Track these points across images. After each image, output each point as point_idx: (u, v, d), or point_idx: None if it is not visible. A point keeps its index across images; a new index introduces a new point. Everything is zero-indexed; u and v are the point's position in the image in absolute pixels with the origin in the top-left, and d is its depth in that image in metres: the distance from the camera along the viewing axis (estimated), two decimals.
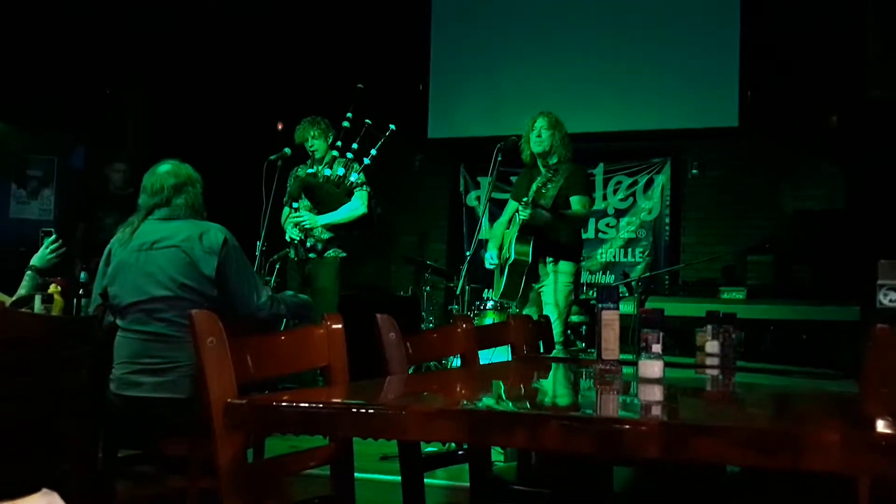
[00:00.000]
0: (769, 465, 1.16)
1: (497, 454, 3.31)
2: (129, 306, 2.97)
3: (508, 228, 4.90)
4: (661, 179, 8.22)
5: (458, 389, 1.98)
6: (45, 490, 0.76)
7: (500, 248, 4.94)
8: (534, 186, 4.58)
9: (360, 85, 5.60)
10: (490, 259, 4.92)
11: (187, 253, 2.95)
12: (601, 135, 8.12)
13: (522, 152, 4.89)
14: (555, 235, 4.76)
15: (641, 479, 2.37)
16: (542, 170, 4.83)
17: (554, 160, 4.83)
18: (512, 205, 5.04)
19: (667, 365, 1.96)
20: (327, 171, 5.48)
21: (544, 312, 4.61)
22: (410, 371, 2.19)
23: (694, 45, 7.92)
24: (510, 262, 4.72)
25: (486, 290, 4.83)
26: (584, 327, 6.81)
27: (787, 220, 7.62)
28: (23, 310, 3.38)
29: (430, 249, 8.63)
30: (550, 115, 4.87)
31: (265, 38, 8.18)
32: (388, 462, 3.90)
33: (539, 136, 4.80)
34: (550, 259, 4.77)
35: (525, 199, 4.54)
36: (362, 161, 5.52)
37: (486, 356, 3.00)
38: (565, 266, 4.79)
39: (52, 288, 3.51)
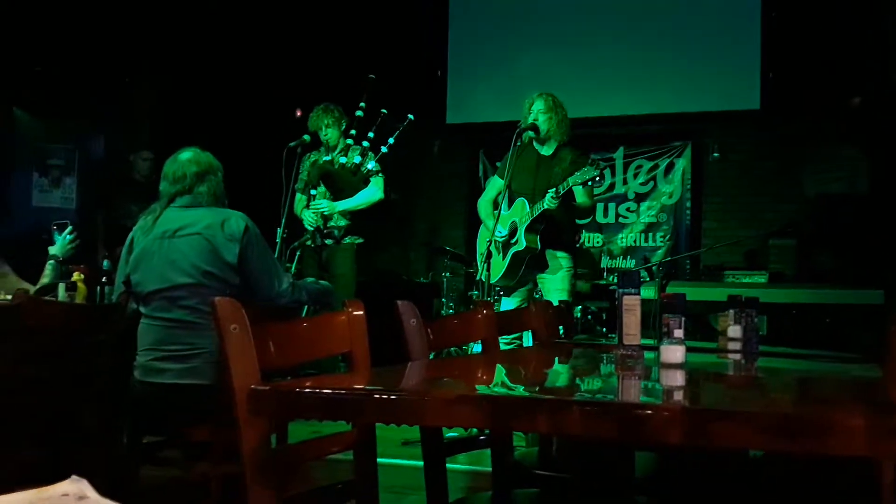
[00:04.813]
0: (792, 449, 1.15)
1: (518, 439, 3.32)
2: (152, 294, 3.00)
3: (496, 210, 4.80)
4: (682, 163, 8.17)
5: (479, 375, 1.98)
6: (74, 477, 0.77)
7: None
8: (570, 181, 4.49)
9: (371, 76, 5.59)
10: (499, 233, 4.78)
11: (209, 240, 2.97)
12: (621, 118, 8.10)
13: (517, 133, 4.73)
14: (562, 225, 4.75)
15: (664, 464, 2.37)
16: (540, 152, 4.80)
17: (553, 146, 4.80)
18: (497, 182, 4.97)
19: (689, 350, 1.96)
20: (342, 159, 5.49)
21: (548, 298, 4.58)
22: (431, 357, 2.19)
23: (715, 27, 7.86)
24: (518, 248, 4.68)
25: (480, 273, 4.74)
26: (604, 313, 6.80)
27: (810, 203, 7.56)
28: (47, 298, 3.42)
29: (449, 235, 8.63)
30: (549, 97, 4.80)
31: (284, 24, 8.19)
32: (411, 447, 3.91)
33: (536, 119, 4.75)
34: (552, 248, 4.74)
35: (553, 192, 4.47)
36: (378, 150, 5.52)
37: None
38: (567, 254, 4.78)
39: (76, 276, 3.54)
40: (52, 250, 3.82)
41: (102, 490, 0.75)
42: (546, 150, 4.81)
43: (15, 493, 0.73)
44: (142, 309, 3.05)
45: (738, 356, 2.52)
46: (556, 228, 4.71)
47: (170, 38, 7.66)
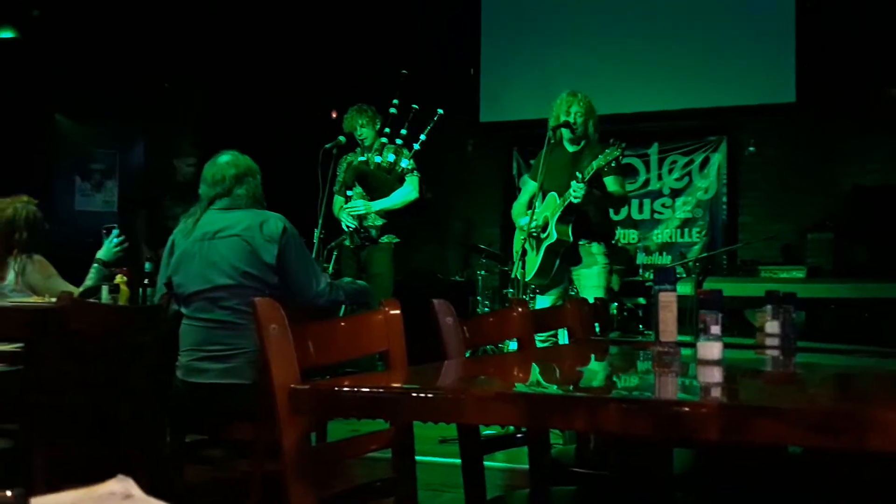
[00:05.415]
0: (832, 445, 1.14)
1: (555, 437, 3.32)
2: (192, 295, 3.05)
3: (530, 209, 4.82)
4: (718, 158, 8.10)
5: (515, 373, 1.99)
6: (119, 476, 0.79)
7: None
8: (594, 164, 4.49)
9: (403, 71, 5.61)
10: (534, 224, 4.74)
11: (248, 242, 3.01)
12: (655, 114, 8.05)
13: (551, 130, 4.75)
14: (594, 215, 4.72)
15: (702, 461, 2.36)
16: (569, 150, 4.80)
17: (582, 143, 4.80)
18: (530, 184, 4.97)
19: (726, 346, 1.95)
20: (377, 158, 5.53)
21: (583, 295, 4.56)
22: (467, 355, 2.20)
23: (749, 21, 7.78)
24: (550, 241, 4.67)
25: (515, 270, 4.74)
26: (640, 310, 6.77)
27: (848, 196, 7.46)
28: (91, 300, 3.49)
29: (483, 234, 8.64)
30: (585, 99, 4.79)
31: (317, 26, 8.25)
32: (448, 445, 3.93)
33: (574, 121, 4.74)
34: (586, 241, 4.71)
35: (579, 175, 4.47)
36: (412, 147, 5.55)
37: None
38: (602, 248, 4.74)
39: (119, 278, 3.60)
40: (99, 254, 3.89)
41: (147, 488, 0.77)
42: (576, 147, 4.82)
43: (63, 492, 0.76)
44: (183, 310, 3.10)
45: (776, 352, 2.50)
46: (588, 219, 4.69)
47: (207, 44, 7.76)
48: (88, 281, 3.85)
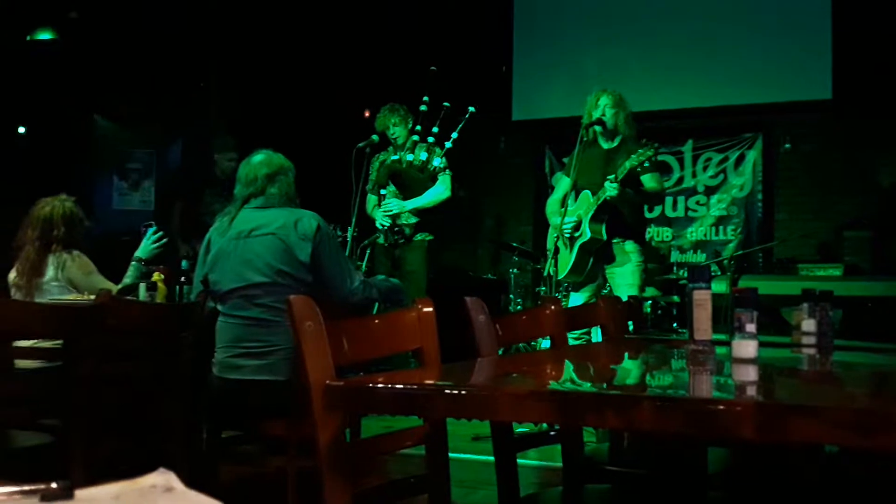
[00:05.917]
0: (867, 445, 1.13)
1: (589, 435, 3.32)
2: (228, 292, 3.08)
3: (563, 206, 4.80)
4: (753, 155, 8.01)
5: (548, 371, 1.99)
6: (161, 469, 0.80)
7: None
8: (627, 165, 4.47)
9: (432, 67, 5.62)
10: (567, 225, 4.72)
11: (283, 240, 3.04)
12: (689, 111, 7.98)
13: (584, 128, 4.74)
14: (628, 215, 4.69)
15: (737, 459, 2.35)
16: (604, 147, 4.77)
17: (617, 140, 4.76)
18: (564, 181, 4.95)
19: (761, 344, 1.93)
20: (409, 157, 5.54)
21: (617, 293, 4.54)
22: (500, 353, 2.21)
23: (784, 17, 7.68)
24: (584, 240, 4.65)
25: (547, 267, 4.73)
26: (674, 308, 6.72)
27: (885, 193, 7.35)
28: (129, 297, 3.54)
29: (516, 232, 8.63)
30: (614, 92, 4.77)
31: (350, 25, 8.28)
32: (481, 442, 3.94)
33: (603, 114, 4.71)
34: (620, 239, 4.69)
35: (612, 177, 4.45)
36: (444, 145, 5.55)
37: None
38: (636, 246, 4.71)
39: (156, 276, 3.66)
40: (137, 252, 3.95)
41: (184, 484, 0.79)
42: (611, 145, 4.79)
43: (106, 485, 0.77)
44: (219, 307, 3.14)
45: (812, 350, 2.47)
46: (622, 218, 4.66)
47: (241, 45, 7.83)
48: (127, 279, 3.91)
